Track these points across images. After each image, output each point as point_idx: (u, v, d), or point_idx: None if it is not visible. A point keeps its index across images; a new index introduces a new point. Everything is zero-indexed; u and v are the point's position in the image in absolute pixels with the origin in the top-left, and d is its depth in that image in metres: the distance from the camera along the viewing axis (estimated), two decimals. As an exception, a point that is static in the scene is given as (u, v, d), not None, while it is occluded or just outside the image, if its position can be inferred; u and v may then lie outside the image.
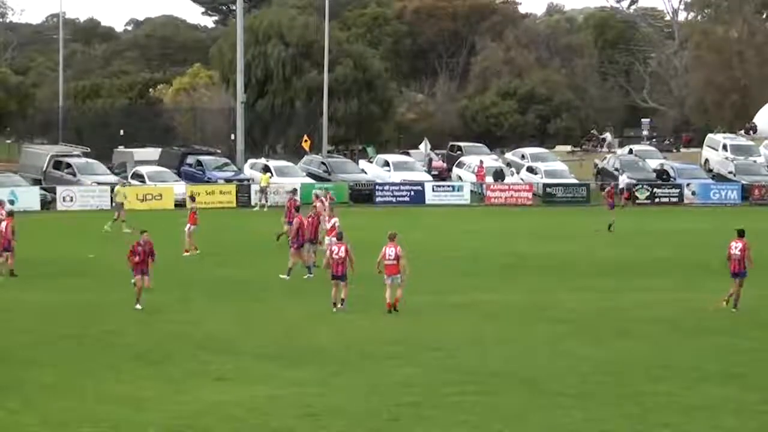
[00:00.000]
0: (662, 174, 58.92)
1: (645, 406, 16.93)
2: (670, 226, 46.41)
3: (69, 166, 54.23)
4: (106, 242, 38.56)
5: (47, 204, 50.23)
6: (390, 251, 24.13)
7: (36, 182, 53.61)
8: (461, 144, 67.28)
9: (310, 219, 30.67)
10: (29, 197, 49.15)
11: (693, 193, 56.82)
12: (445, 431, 15.66)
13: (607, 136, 70.23)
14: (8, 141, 78.74)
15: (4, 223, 30.26)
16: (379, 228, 36.02)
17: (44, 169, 54.79)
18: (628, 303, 26.64)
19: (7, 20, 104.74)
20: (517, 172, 59.61)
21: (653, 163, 60.45)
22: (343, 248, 24.37)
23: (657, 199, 56.42)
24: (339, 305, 24.41)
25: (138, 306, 24.69)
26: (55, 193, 50.91)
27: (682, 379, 18.77)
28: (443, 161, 64.84)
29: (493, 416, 16.31)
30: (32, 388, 17.70)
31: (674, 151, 70.45)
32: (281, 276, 29.29)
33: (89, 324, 23.33)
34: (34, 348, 20.81)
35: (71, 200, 50.73)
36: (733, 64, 74.72)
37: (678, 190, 56.94)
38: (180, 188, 52.01)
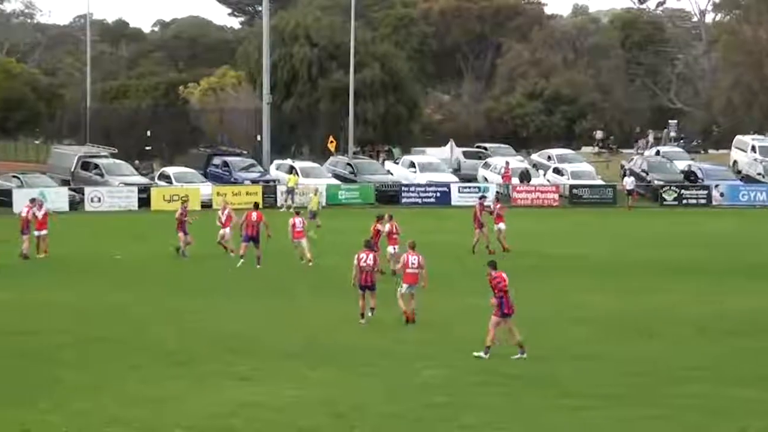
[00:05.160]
0: (690, 175, 58.65)
1: (671, 408, 16.85)
2: (697, 228, 46.17)
3: (96, 166, 54.55)
4: (133, 243, 38.76)
5: (76, 204, 50.54)
6: (413, 259, 23.23)
7: (65, 183, 53.95)
8: (487, 145, 67.22)
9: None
10: (58, 198, 49.43)
11: (721, 195, 56.51)
12: (471, 432, 15.66)
13: (650, 136, 70.48)
14: (37, 142, 79.30)
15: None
16: (405, 229, 36.04)
17: (72, 169, 55.14)
18: (655, 304, 26.52)
19: (35, 21, 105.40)
20: (544, 174, 59.50)
21: (681, 165, 60.19)
22: (372, 256, 23.51)
23: (684, 201, 56.15)
24: (369, 314, 23.32)
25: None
26: (83, 194, 51.21)
27: (708, 381, 18.67)
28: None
29: (518, 417, 16.27)
30: (62, 388, 17.81)
31: (702, 152, 70.19)
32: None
33: (116, 324, 23.46)
34: (64, 348, 20.93)
35: (99, 201, 51.01)
36: (762, 64, 74.21)
37: (706, 192, 56.65)
38: (206, 189, 52.21)
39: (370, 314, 23.38)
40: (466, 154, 63.47)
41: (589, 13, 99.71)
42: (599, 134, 72.89)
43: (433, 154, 62.69)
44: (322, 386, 17.99)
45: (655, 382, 18.50)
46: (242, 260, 31.82)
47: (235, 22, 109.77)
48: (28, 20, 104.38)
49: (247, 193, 52.88)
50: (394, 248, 29.83)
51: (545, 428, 15.88)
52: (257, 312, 25.06)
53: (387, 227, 30.53)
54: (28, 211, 33.90)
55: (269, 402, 16.95)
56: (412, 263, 23.21)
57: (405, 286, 23.20)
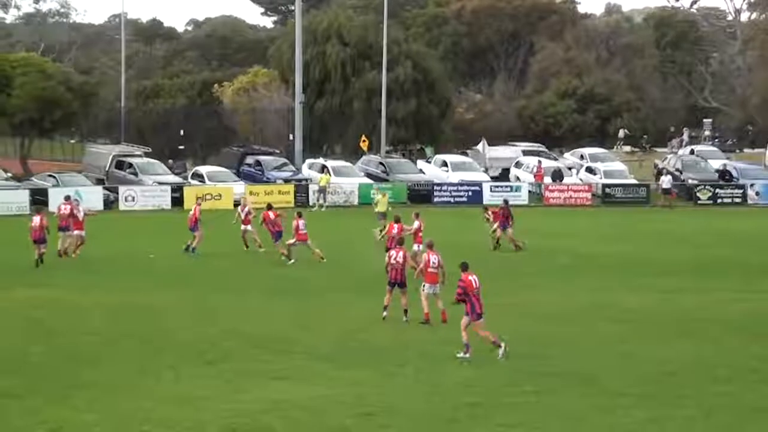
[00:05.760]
0: (725, 174, 58.23)
1: (706, 407, 16.74)
2: (732, 227, 45.84)
3: (131, 165, 54.88)
4: (166, 242, 38.94)
5: (110, 203, 50.87)
6: (434, 258, 23.27)
7: (99, 182, 54.32)
8: (519, 144, 67.10)
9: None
10: (93, 197, 49.73)
11: (757, 194, 56.07)
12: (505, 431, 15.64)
13: (684, 135, 70.07)
14: (72, 141, 79.88)
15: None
16: (438, 228, 36.01)
17: (107, 168, 55.51)
18: (689, 303, 26.36)
19: (71, 20, 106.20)
20: (576, 173, 59.32)
21: (716, 164, 59.79)
22: (401, 254, 23.65)
23: (719, 200, 55.74)
24: (404, 316, 23.33)
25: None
26: (117, 193, 51.53)
27: (743, 380, 18.54)
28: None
29: (553, 416, 16.22)
30: (97, 387, 17.91)
31: (737, 151, 69.71)
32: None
33: (150, 324, 23.59)
34: (99, 348, 21.07)
35: (133, 200, 51.30)
36: (798, 62, 73.60)
37: (741, 191, 56.22)
38: (239, 188, 52.42)
39: (405, 317, 23.36)
40: (526, 153, 63.32)
41: (623, 12, 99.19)
42: (621, 133, 72.41)
43: (503, 152, 62.61)
44: (353, 386, 18.00)
45: (690, 382, 18.39)
46: (292, 260, 32.46)
47: (267, 22, 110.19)
48: (64, 20, 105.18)
49: (279, 192, 53.06)
50: (420, 246, 29.81)
51: (579, 428, 15.82)
52: (289, 311, 25.12)
53: (415, 224, 30.59)
54: (71, 210, 34.12)
55: (302, 401, 16.98)
56: (433, 263, 23.32)
57: (427, 285, 23.28)
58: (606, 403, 16.96)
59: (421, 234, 30.38)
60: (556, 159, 62.61)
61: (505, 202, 38.30)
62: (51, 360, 19.99)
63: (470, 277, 20.25)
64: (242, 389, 17.77)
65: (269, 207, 34.20)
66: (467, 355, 19.98)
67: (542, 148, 65.57)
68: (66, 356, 20.28)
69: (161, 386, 18.00)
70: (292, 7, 74.48)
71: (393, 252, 23.79)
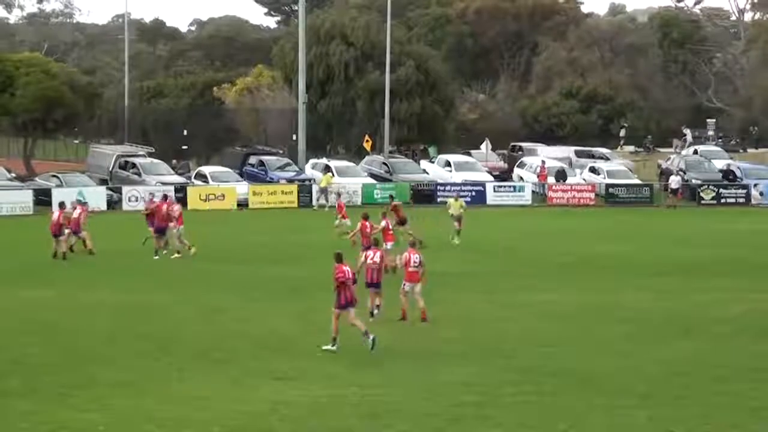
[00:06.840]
0: (728, 174, 58.20)
1: (710, 407, 16.76)
2: (735, 227, 45.83)
3: (134, 166, 54.93)
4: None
5: (113, 204, 50.92)
6: (416, 257, 23.44)
7: (103, 182, 54.37)
8: (522, 144, 67.09)
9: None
10: (96, 197, 49.78)
11: (761, 194, 56.05)
12: (506, 431, 15.65)
13: (687, 135, 70.02)
14: (75, 141, 79.97)
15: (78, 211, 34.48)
16: (441, 228, 36.05)
17: (110, 169, 55.54)
18: (691, 303, 26.37)
19: (74, 21, 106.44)
20: (580, 173, 59.32)
21: (719, 164, 59.74)
22: (378, 254, 23.46)
23: (723, 200, 55.71)
24: (375, 312, 23.39)
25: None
26: (121, 193, 51.58)
27: (747, 379, 18.57)
28: (504, 161, 64.95)
29: (554, 416, 16.25)
30: (100, 387, 17.96)
31: (741, 151, 69.64)
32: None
33: (153, 323, 23.65)
34: (101, 347, 21.12)
35: (136, 200, 51.36)
36: (802, 62, 73.50)
37: (745, 191, 56.19)
38: (242, 188, 52.48)
39: (376, 311, 23.44)
40: (578, 153, 63.25)
41: (626, 12, 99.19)
42: (623, 131, 72.21)
43: (549, 154, 62.78)
44: (357, 386, 18.05)
45: (690, 381, 18.41)
46: (158, 256, 33.28)
47: (271, 22, 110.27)
48: (68, 20, 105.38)
49: (282, 192, 53.12)
50: (390, 245, 29.75)
51: (579, 427, 15.84)
52: (291, 311, 25.16)
53: (382, 224, 30.42)
54: (82, 212, 34.45)
55: (304, 402, 17.02)
56: (414, 261, 23.44)
57: (407, 284, 23.43)
58: (606, 402, 16.99)
59: (390, 232, 30.24)
60: (608, 159, 62.46)
61: (391, 197, 39.25)
62: (54, 359, 20.05)
63: (344, 268, 20.70)
64: (246, 389, 17.82)
65: (165, 198, 34.98)
66: (334, 347, 20.37)
67: (594, 149, 65.62)
68: (69, 356, 20.34)
69: (166, 385, 18.05)
70: (296, 7, 74.42)
71: (370, 252, 23.51)
